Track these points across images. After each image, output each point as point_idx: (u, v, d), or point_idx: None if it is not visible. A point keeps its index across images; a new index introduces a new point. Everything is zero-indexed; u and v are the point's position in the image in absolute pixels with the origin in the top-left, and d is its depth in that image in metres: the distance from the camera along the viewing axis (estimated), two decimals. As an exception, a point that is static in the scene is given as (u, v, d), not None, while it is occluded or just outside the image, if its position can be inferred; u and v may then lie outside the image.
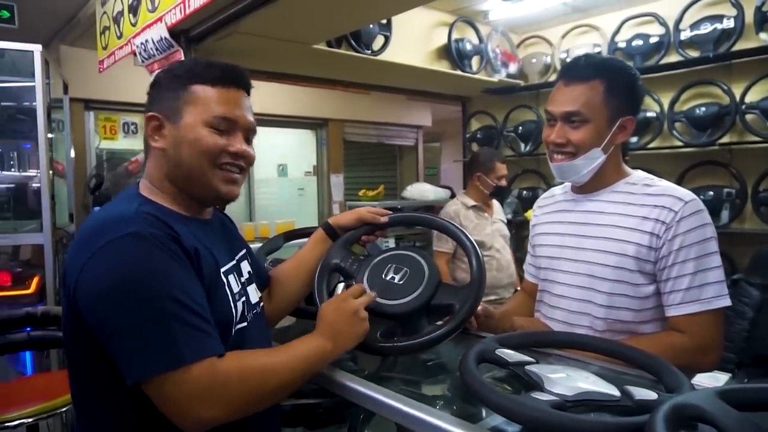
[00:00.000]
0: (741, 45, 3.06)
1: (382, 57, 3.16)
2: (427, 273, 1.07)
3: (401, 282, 1.07)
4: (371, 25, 3.04)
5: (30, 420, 1.80)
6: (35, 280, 2.79)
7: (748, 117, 3.07)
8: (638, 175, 1.25)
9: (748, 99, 3.05)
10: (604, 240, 1.19)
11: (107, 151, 4.12)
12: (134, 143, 4.32)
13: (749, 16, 3.02)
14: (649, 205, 1.15)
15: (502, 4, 3.47)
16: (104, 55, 3.12)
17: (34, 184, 2.77)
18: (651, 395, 0.75)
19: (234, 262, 1.03)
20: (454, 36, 3.58)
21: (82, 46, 3.73)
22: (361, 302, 0.99)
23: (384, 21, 3.12)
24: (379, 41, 3.15)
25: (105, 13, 3.07)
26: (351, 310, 0.97)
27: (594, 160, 1.20)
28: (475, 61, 3.77)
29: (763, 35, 2.98)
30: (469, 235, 1.13)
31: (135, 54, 2.69)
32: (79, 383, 0.91)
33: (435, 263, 1.10)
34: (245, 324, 0.98)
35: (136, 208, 0.89)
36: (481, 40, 3.77)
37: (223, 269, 0.97)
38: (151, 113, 0.96)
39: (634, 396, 0.75)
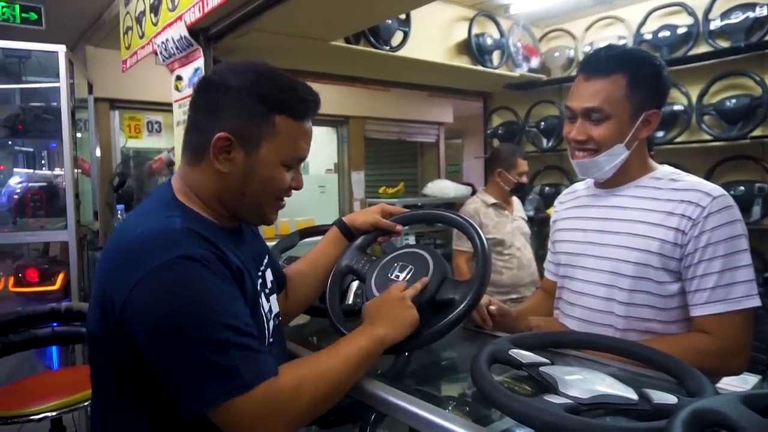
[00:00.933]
0: (774, 34, 2.95)
1: (401, 53, 3.13)
2: (432, 269, 1.04)
3: (405, 280, 1.05)
4: (389, 21, 3.02)
5: (53, 414, 1.84)
6: (60, 277, 2.86)
7: (783, 109, 2.95)
8: (664, 170, 1.20)
9: (784, 91, 2.94)
10: (628, 236, 1.15)
11: (133, 150, 4.20)
12: (158, 142, 4.39)
13: (783, 5, 2.91)
14: (675, 200, 1.11)
15: (524, -3, 3.41)
16: (127, 55, 3.16)
17: (62, 183, 2.83)
18: (671, 399, 0.71)
19: (260, 273, 1.02)
20: (475, 31, 3.53)
21: (107, 47, 3.79)
22: (406, 292, 0.99)
23: (403, 16, 3.10)
24: (398, 37, 3.12)
25: (128, 13, 3.11)
26: (396, 297, 0.97)
27: (617, 156, 1.16)
28: (496, 56, 3.71)
29: (797, 24, 2.87)
30: (476, 226, 1.10)
31: (156, 53, 2.72)
32: (105, 395, 0.89)
33: (442, 260, 1.07)
34: (272, 339, 0.98)
35: (180, 222, 0.85)
36: (502, 34, 3.71)
37: (257, 287, 0.96)
38: (224, 134, 0.88)
39: (653, 400, 0.72)
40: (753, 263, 1.08)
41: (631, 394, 0.74)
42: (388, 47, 3.07)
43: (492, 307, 1.23)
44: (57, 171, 3.35)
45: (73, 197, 2.71)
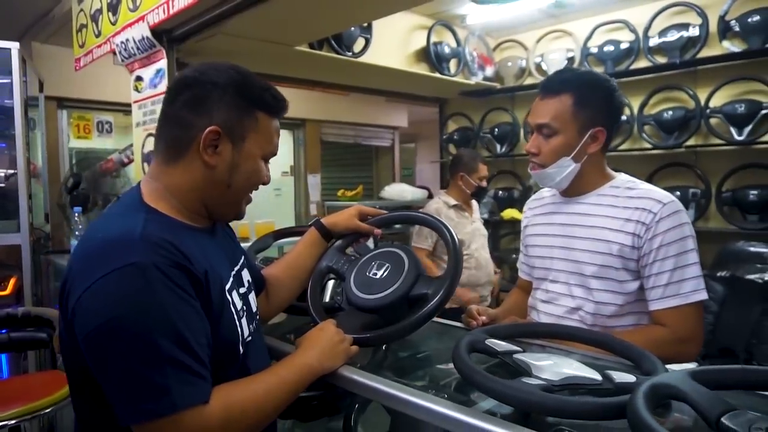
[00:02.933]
0: (705, 52, 3.20)
1: (363, 59, 3.21)
2: (407, 267, 1.11)
3: (382, 277, 1.11)
4: (352, 28, 3.08)
5: (12, 422, 1.79)
6: (12, 282, 2.75)
7: (712, 121, 3.21)
8: (621, 178, 1.32)
9: (712, 104, 3.20)
10: (592, 241, 1.26)
11: (78, 150, 4.07)
12: (108, 142, 4.26)
13: (713, 25, 3.16)
14: (631, 208, 1.22)
15: (479, 8, 3.55)
16: (81, 53, 3.08)
17: (12, 184, 2.72)
18: (630, 378, 0.81)
19: (235, 273, 1.01)
20: (433, 39, 3.65)
21: (56, 44, 3.67)
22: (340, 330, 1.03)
23: (365, 24, 3.17)
24: (360, 43, 3.20)
25: (82, 10, 3.03)
26: (333, 330, 1.01)
27: (565, 168, 1.27)
28: (452, 64, 3.85)
29: (725, 43, 3.13)
30: (449, 227, 1.18)
31: (115, 53, 2.67)
32: (77, 397, 0.90)
33: (416, 258, 1.14)
34: (251, 337, 0.99)
35: (141, 226, 0.83)
36: (458, 43, 3.85)
37: (227, 287, 0.94)
38: (215, 127, 0.90)
39: (615, 379, 0.81)
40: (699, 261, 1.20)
41: (595, 376, 0.83)
42: (350, 53, 3.14)
43: (483, 318, 1.31)
44: (2, 172, 3.21)
45: (27, 199, 2.62)
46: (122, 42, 2.55)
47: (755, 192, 3.09)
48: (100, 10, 2.79)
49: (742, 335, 2.58)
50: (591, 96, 1.25)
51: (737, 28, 3.08)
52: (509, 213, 4.17)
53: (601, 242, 1.24)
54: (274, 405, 0.89)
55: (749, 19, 3.03)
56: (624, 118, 3.49)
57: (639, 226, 1.20)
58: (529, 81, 4.08)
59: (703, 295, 1.18)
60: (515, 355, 0.91)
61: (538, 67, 3.98)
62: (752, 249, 2.79)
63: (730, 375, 0.72)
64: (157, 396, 0.75)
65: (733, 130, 3.14)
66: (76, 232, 2.63)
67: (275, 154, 1.00)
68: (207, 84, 0.92)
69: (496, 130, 4.21)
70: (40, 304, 2.86)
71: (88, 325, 0.77)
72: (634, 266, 1.21)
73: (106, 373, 0.77)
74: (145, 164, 2.62)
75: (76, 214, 2.60)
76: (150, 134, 2.55)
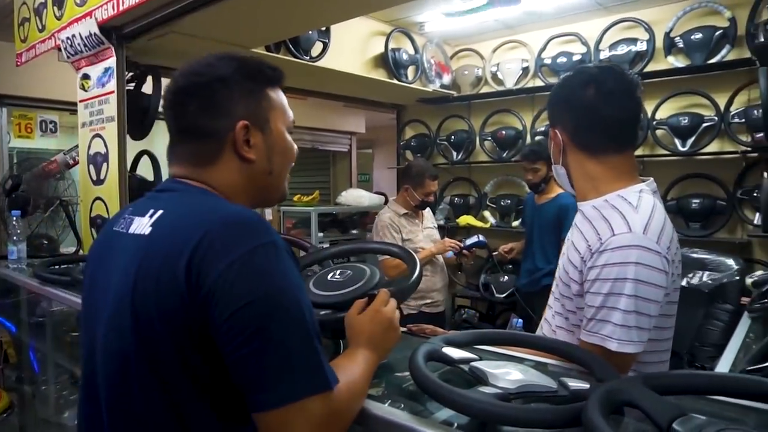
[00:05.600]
0: (652, 66, 3.34)
1: (321, 63, 3.18)
2: (369, 272, 1.10)
3: (343, 280, 1.10)
4: (310, 32, 3.05)
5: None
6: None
7: (658, 132, 3.35)
8: (623, 192, 1.13)
9: (658, 116, 3.33)
10: (564, 255, 1.21)
11: (19, 151, 3.86)
12: (52, 143, 4.07)
13: (659, 41, 3.31)
14: (593, 228, 1.10)
15: (438, 16, 3.59)
16: (23, 48, 2.93)
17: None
18: (584, 385, 0.82)
19: None
20: (391, 45, 3.66)
21: (-5, 38, 3.48)
22: (393, 309, 0.99)
23: (323, 28, 3.14)
24: (317, 48, 3.17)
25: (24, 3, 2.89)
26: (387, 320, 0.96)
27: (559, 173, 1.25)
28: (410, 71, 3.87)
29: (670, 58, 3.28)
30: (404, 248, 1.27)
31: (60, 49, 2.55)
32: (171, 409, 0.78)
33: (374, 267, 1.14)
34: None
35: (253, 212, 0.81)
36: (416, 50, 3.88)
37: None
38: (243, 122, 0.87)
39: (570, 386, 0.82)
40: (639, 312, 1.01)
41: (551, 383, 0.84)
42: (307, 57, 3.10)
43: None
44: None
45: (-40, 201, 2.45)
46: (68, 38, 2.44)
47: (697, 201, 3.24)
48: (44, 4, 2.66)
49: (686, 338, 2.69)
50: (551, 97, 1.23)
51: (681, 45, 3.23)
52: (465, 219, 4.22)
53: (567, 258, 1.18)
54: (367, 385, 0.87)
55: (692, 36, 3.18)
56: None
57: (587, 250, 1.08)
58: (485, 89, 4.15)
59: (622, 348, 0.99)
60: (472, 363, 0.91)
61: (494, 76, 4.05)
62: (695, 255, 2.91)
63: (680, 380, 0.74)
64: (314, 372, 0.73)
65: (677, 142, 3.28)
66: (14, 237, 2.48)
67: (295, 122, 0.99)
68: (213, 83, 0.88)
69: (453, 137, 4.25)
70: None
71: (240, 299, 0.71)
72: (579, 289, 1.12)
73: (255, 349, 0.71)
74: (91, 166, 2.50)
75: (15, 218, 2.46)
76: (97, 135, 2.45)
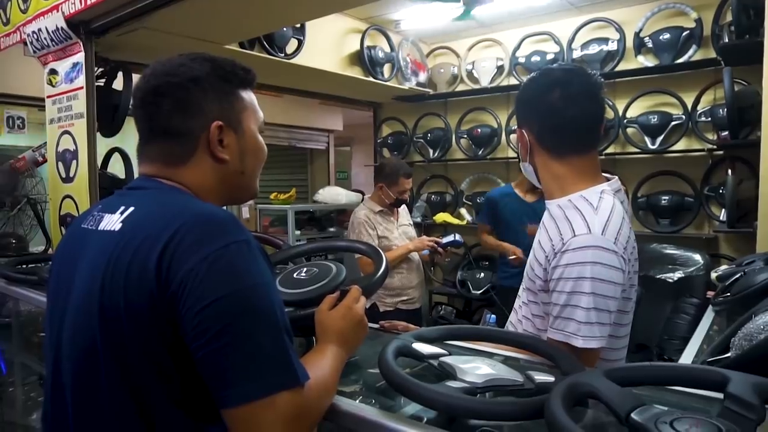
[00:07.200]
0: (623, 66, 3.41)
1: (296, 60, 3.16)
2: (335, 270, 1.10)
3: (309, 278, 1.10)
4: (285, 29, 3.03)
5: None
6: None
7: (629, 130, 3.42)
8: (585, 192, 1.15)
9: (629, 114, 3.40)
10: (532, 252, 1.22)
11: (-13, 148, 3.76)
12: (20, 139, 3.96)
13: (630, 41, 3.37)
14: (554, 227, 1.13)
15: (414, 14, 3.59)
16: (-13, 43, 2.85)
17: None
18: (549, 378, 0.84)
19: None
20: (367, 43, 3.66)
21: (-42, 31, 3.37)
22: (363, 306, 1.00)
23: (298, 25, 3.13)
24: (292, 45, 3.15)
25: (-12, -4, 2.81)
26: (359, 317, 0.97)
27: (527, 170, 1.26)
28: (386, 69, 3.87)
29: (640, 58, 3.34)
30: (370, 244, 1.28)
31: (26, 43, 2.49)
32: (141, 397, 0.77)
33: (341, 265, 1.14)
34: None
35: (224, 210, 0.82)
36: (392, 48, 3.88)
37: None
38: (217, 122, 0.88)
39: (535, 379, 0.84)
40: (600, 309, 1.03)
41: (517, 377, 0.85)
42: (282, 54, 3.08)
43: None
44: None
45: None
46: (34, 32, 2.38)
47: (666, 198, 3.32)
48: (9, -4, 2.59)
49: (655, 331, 2.76)
50: (518, 98, 1.25)
51: (650, 45, 3.30)
52: (441, 217, 4.25)
53: (534, 255, 1.19)
54: (336, 381, 0.87)
55: (661, 37, 3.25)
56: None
57: (551, 249, 1.11)
58: (461, 87, 4.17)
59: (587, 344, 1.02)
60: (441, 359, 0.92)
61: (470, 74, 4.08)
62: (664, 251, 2.99)
63: (639, 372, 0.76)
64: (284, 368, 0.73)
65: (647, 139, 3.35)
66: (-20, 237, 2.42)
67: (265, 121, 1.00)
68: (186, 83, 0.88)
69: (429, 135, 4.27)
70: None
71: (211, 295, 0.71)
72: (543, 285, 1.14)
73: (224, 344, 0.71)
74: (60, 163, 2.45)
75: (-19, 217, 2.40)
76: (66, 131, 2.40)
